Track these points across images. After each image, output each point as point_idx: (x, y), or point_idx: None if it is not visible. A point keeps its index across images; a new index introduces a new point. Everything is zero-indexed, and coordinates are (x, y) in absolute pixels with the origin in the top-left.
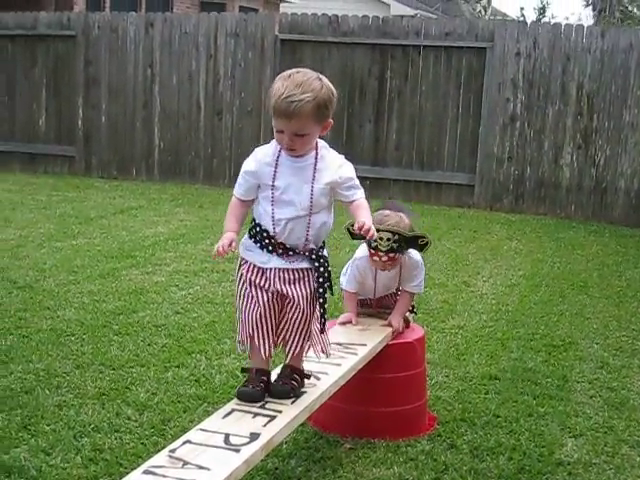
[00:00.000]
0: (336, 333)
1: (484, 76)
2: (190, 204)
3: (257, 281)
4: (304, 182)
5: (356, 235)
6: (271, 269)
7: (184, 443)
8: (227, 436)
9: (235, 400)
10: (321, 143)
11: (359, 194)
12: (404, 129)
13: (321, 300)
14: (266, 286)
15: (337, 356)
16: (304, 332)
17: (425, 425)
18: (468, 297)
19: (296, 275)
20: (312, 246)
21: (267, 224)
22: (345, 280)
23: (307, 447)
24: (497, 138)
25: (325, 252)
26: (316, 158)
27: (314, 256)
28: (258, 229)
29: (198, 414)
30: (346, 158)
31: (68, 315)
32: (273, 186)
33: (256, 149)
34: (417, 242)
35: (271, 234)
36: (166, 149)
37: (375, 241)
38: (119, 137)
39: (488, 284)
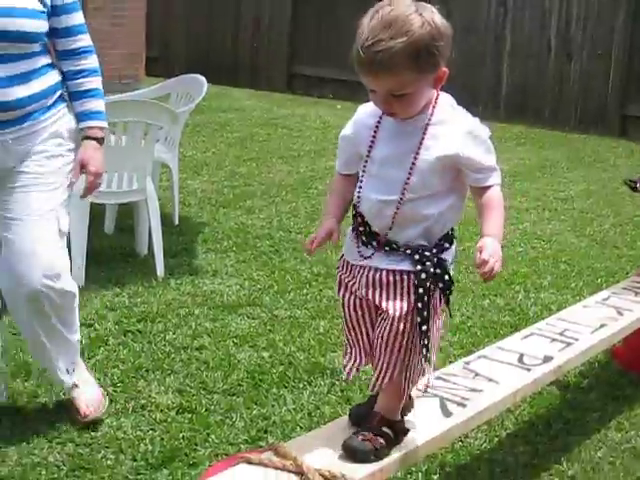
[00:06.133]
0: None
1: None
2: (531, 144)
3: (347, 280)
4: (409, 152)
5: (635, 189)
6: (359, 267)
7: (479, 357)
8: (521, 356)
9: (537, 325)
10: (444, 98)
11: (492, 179)
12: None
13: (419, 319)
14: (354, 288)
15: None
16: (396, 357)
17: None
18: None
19: (390, 279)
20: (421, 242)
21: (359, 206)
22: None
23: (609, 383)
24: None
25: (447, 254)
26: (429, 119)
27: (418, 256)
28: (354, 211)
29: None
30: None
31: None
32: (368, 156)
33: (360, 106)
34: None
35: (365, 219)
36: (513, 86)
37: None
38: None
39: None
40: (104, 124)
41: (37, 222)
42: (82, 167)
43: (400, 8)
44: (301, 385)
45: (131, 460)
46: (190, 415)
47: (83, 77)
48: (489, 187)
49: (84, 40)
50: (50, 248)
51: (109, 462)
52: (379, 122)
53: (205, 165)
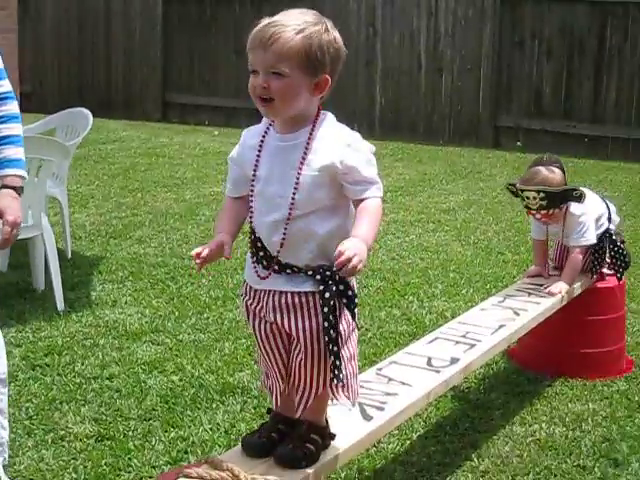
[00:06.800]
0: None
1: None
2: (409, 159)
3: (253, 306)
4: (290, 168)
5: (518, 195)
6: (263, 291)
7: (390, 363)
8: (429, 359)
9: (440, 329)
10: (325, 115)
11: (371, 191)
12: (624, 87)
13: (327, 338)
14: (262, 314)
15: (538, 296)
16: (314, 378)
17: (622, 368)
18: None
19: (296, 301)
20: (321, 262)
21: (254, 229)
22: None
23: (508, 382)
24: None
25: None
26: (310, 134)
27: (319, 276)
28: (252, 237)
29: None
30: (563, 115)
31: None
32: (254, 176)
33: (244, 130)
34: (571, 195)
35: (264, 244)
36: (387, 105)
37: (524, 199)
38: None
39: None
40: (23, 172)
41: None
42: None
43: (305, 11)
44: (214, 405)
45: None
46: (109, 442)
47: (2, 123)
48: (367, 198)
49: (3, 86)
50: None
51: None
52: (262, 141)
53: (91, 198)
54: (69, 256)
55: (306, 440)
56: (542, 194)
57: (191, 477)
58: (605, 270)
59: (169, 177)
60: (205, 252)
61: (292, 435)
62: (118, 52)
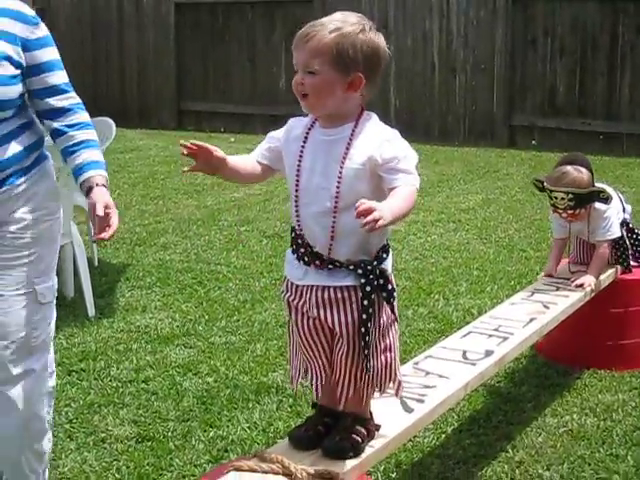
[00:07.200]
0: (563, 270)
1: None
2: (426, 160)
3: (295, 302)
4: (333, 161)
5: (542, 189)
6: (305, 287)
7: (426, 357)
8: (465, 352)
9: (472, 324)
10: (369, 115)
11: (405, 180)
12: (637, 83)
13: (363, 329)
14: (304, 309)
15: (566, 289)
16: (352, 371)
17: None
18: None
19: (338, 295)
20: (362, 257)
21: (298, 223)
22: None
23: (538, 375)
24: None
25: (385, 264)
26: (354, 130)
27: (361, 270)
28: (293, 234)
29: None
30: (578, 113)
31: None
32: (299, 167)
33: (291, 118)
34: (598, 196)
35: (306, 240)
36: (402, 107)
37: (552, 199)
38: None
39: None
40: (105, 174)
41: (9, 298)
42: (106, 208)
43: (349, 14)
44: (250, 405)
45: None
46: (150, 443)
47: (79, 129)
48: (400, 186)
49: (73, 97)
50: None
51: None
52: (307, 133)
53: None
54: (96, 264)
55: (352, 432)
56: (571, 195)
57: (242, 470)
58: (631, 262)
59: (189, 184)
60: (195, 143)
61: (338, 427)
62: (132, 62)
